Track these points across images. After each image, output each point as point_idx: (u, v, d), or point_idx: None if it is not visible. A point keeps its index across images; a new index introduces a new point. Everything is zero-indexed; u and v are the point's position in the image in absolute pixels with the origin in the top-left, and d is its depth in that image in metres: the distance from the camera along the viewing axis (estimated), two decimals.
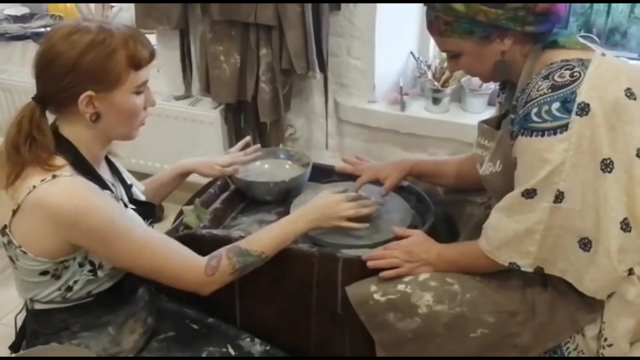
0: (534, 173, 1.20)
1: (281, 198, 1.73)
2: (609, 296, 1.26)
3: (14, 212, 1.17)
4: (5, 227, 1.19)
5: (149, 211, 1.40)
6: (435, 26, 1.30)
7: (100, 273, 1.25)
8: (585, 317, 1.30)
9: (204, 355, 1.37)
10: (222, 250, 1.32)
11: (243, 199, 1.76)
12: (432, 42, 2.30)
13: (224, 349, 1.39)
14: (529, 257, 1.25)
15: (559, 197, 1.19)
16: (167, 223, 2.15)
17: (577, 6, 2.34)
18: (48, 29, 2.87)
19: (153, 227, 1.39)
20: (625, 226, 1.20)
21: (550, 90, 1.19)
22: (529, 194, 1.21)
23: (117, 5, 2.84)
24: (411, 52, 2.40)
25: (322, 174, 1.84)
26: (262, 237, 1.37)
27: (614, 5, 2.30)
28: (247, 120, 2.56)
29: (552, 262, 1.25)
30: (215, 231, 1.52)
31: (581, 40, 1.31)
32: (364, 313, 1.36)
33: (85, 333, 1.28)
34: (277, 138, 2.51)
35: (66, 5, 3.06)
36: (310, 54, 2.24)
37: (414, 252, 1.39)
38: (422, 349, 1.35)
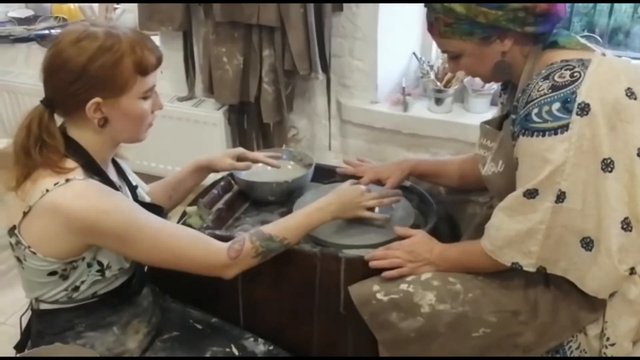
0: (535, 173, 1.20)
1: (284, 198, 1.74)
2: (611, 295, 1.26)
3: (25, 213, 1.18)
4: (13, 227, 1.20)
5: (154, 212, 1.41)
6: (436, 28, 1.30)
7: (107, 273, 1.26)
8: (588, 317, 1.31)
9: (207, 355, 1.37)
10: (245, 235, 1.33)
11: (246, 199, 1.77)
12: (434, 42, 2.30)
13: (228, 349, 1.39)
14: (532, 257, 1.25)
15: (560, 197, 1.19)
16: None
17: (580, 6, 2.34)
18: (52, 31, 2.89)
19: None
20: (626, 225, 1.20)
21: (550, 91, 1.20)
22: (531, 194, 1.21)
23: (120, 7, 2.85)
24: (414, 53, 2.41)
25: (325, 175, 1.84)
26: (286, 223, 1.38)
27: (617, 5, 2.30)
28: (250, 121, 2.57)
29: (555, 261, 1.25)
30: (218, 232, 1.52)
31: (581, 40, 1.31)
32: (367, 313, 1.36)
33: (90, 333, 1.29)
34: (280, 139, 2.52)
35: (70, 7, 3.07)
36: (313, 55, 2.25)
37: (416, 252, 1.40)
38: (424, 348, 1.35)
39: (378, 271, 1.38)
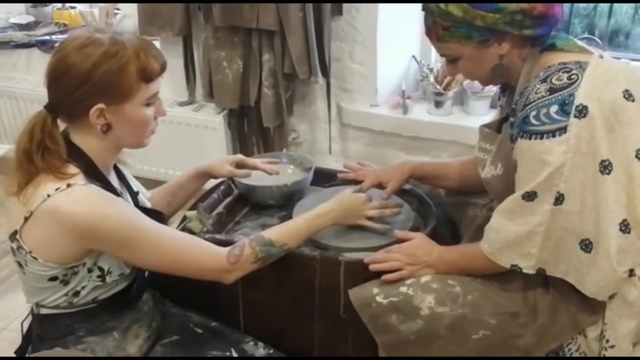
0: (534, 175, 1.20)
1: (284, 202, 1.74)
2: (611, 297, 1.26)
3: (26, 218, 1.18)
4: (15, 232, 1.21)
5: (155, 218, 1.41)
6: (434, 31, 1.31)
7: (108, 279, 1.26)
8: (587, 319, 1.30)
9: None
10: (245, 240, 1.34)
11: (246, 203, 1.77)
12: None
13: (228, 353, 1.40)
14: (531, 259, 1.25)
15: (559, 199, 1.19)
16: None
17: (580, 8, 2.34)
18: (53, 37, 2.90)
19: None
20: (625, 227, 1.20)
21: (548, 93, 1.20)
22: (530, 196, 1.21)
23: (120, 13, 2.86)
24: (413, 56, 2.41)
25: (325, 178, 1.84)
26: (287, 229, 1.39)
27: (618, 6, 2.30)
28: (250, 125, 2.57)
29: (554, 263, 1.25)
30: (218, 236, 1.53)
31: (579, 43, 1.32)
32: (367, 315, 1.36)
33: (91, 338, 1.29)
34: (281, 143, 2.52)
35: (70, 13, 3.08)
36: (313, 59, 2.25)
37: (415, 254, 1.40)
38: (424, 350, 1.35)
39: (378, 274, 1.38)
